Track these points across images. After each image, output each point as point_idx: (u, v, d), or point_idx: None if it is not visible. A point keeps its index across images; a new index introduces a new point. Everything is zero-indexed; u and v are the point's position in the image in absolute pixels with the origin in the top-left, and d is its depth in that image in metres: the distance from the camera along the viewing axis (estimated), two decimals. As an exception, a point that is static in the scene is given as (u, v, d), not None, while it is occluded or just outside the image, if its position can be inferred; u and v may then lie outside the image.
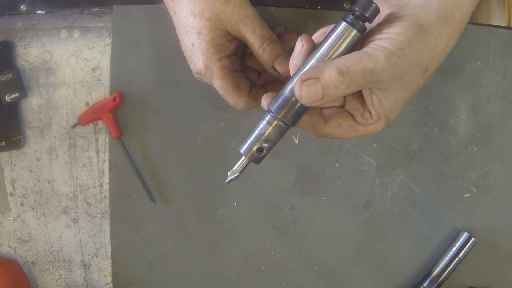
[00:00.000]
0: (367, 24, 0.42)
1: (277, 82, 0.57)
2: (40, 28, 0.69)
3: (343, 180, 0.67)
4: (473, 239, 0.65)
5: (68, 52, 0.69)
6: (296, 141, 0.67)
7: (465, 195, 0.67)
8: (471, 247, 0.65)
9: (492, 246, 0.67)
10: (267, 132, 0.44)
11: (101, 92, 0.69)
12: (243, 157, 0.45)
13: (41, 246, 0.71)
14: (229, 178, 0.47)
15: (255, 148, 0.44)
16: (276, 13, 0.65)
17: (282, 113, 0.43)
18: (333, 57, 0.42)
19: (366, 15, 0.41)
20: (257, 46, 0.51)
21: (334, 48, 0.42)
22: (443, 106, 0.66)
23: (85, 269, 0.71)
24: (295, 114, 0.43)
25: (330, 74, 0.39)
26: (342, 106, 0.47)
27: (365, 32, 0.43)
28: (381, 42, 0.41)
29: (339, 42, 0.42)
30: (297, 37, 0.45)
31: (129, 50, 0.66)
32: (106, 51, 0.69)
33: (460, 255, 0.65)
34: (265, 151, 0.45)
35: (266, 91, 0.54)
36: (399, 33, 0.41)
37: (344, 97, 0.46)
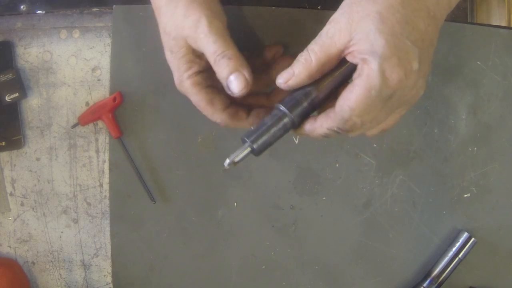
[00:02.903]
0: None
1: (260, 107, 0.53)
2: (40, 28, 0.69)
3: (343, 180, 0.67)
4: (473, 239, 0.65)
5: (68, 52, 0.69)
6: (296, 141, 0.67)
7: (465, 195, 0.67)
8: (471, 247, 0.65)
9: (492, 246, 0.67)
10: (272, 126, 0.44)
11: (101, 92, 0.69)
12: (245, 146, 0.45)
13: (41, 246, 0.71)
14: (227, 162, 0.45)
15: (258, 138, 0.45)
16: (276, 13, 0.65)
17: (293, 112, 0.44)
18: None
19: None
20: (212, 63, 0.48)
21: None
22: (443, 106, 0.66)
23: (85, 269, 0.71)
24: (303, 114, 0.45)
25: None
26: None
27: None
28: None
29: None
30: (290, 61, 0.46)
31: (129, 50, 0.66)
32: (106, 51, 0.69)
33: (460, 255, 0.65)
34: (265, 140, 0.44)
35: (247, 111, 0.52)
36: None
37: None
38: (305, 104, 0.44)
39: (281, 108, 0.45)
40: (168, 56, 0.51)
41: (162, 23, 0.51)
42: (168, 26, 0.50)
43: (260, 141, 0.44)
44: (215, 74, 0.50)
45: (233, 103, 0.52)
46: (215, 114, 0.50)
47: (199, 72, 0.50)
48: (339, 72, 0.45)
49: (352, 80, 0.43)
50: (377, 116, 0.43)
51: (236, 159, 0.44)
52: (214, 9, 0.49)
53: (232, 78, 0.46)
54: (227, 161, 0.45)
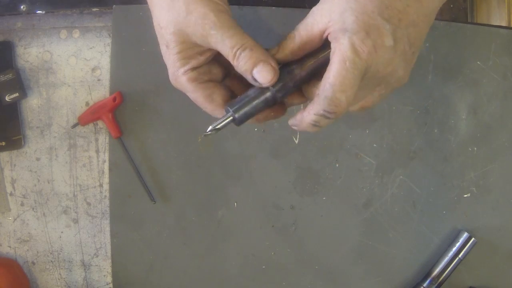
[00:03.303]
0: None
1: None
2: (40, 28, 0.69)
3: (343, 180, 0.67)
4: (473, 239, 0.65)
5: (68, 52, 0.69)
6: (296, 141, 0.67)
7: (465, 195, 0.67)
8: (471, 247, 0.65)
9: (492, 246, 0.67)
10: (255, 98, 0.46)
11: (101, 92, 0.69)
12: (228, 115, 0.47)
13: (41, 246, 0.71)
14: (209, 129, 0.46)
15: (240, 108, 0.46)
16: (276, 13, 0.65)
17: (275, 86, 0.46)
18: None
19: None
20: (231, 58, 0.46)
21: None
22: (443, 106, 0.66)
23: (85, 269, 0.71)
24: (285, 90, 0.46)
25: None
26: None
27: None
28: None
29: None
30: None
31: (129, 50, 0.66)
32: (106, 51, 0.69)
33: (460, 255, 0.65)
34: (244, 106, 0.46)
35: None
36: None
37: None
38: (287, 80, 0.46)
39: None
40: (164, 50, 0.49)
41: (156, 17, 0.49)
42: (163, 20, 0.48)
43: (242, 112, 0.46)
44: (214, 69, 0.49)
45: (232, 96, 0.51)
46: (216, 109, 0.49)
47: (194, 68, 0.48)
48: (322, 55, 0.46)
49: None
50: (358, 92, 0.44)
51: (218, 126, 0.46)
52: (218, 1, 0.47)
53: (259, 69, 0.45)
54: (210, 127, 0.46)
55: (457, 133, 0.67)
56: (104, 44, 0.69)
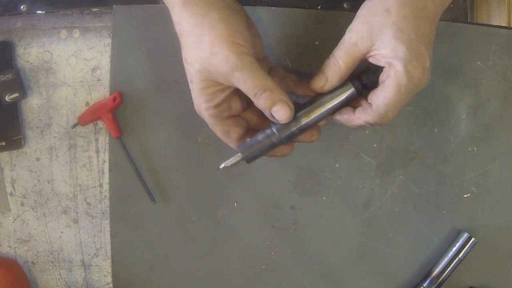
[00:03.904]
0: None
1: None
2: (40, 28, 0.69)
3: (343, 180, 0.67)
4: (473, 239, 0.65)
5: (68, 52, 0.69)
6: (296, 141, 0.67)
7: (465, 195, 0.67)
8: (471, 247, 0.65)
9: (492, 246, 0.67)
10: (262, 141, 0.53)
11: (101, 92, 0.69)
12: (238, 155, 0.53)
13: (41, 246, 0.71)
14: (222, 166, 0.54)
15: (249, 149, 0.53)
16: (276, 13, 0.65)
17: (282, 134, 0.52)
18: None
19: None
20: (251, 97, 0.50)
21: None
22: (443, 106, 0.66)
23: (85, 269, 0.71)
24: (290, 137, 0.53)
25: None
26: None
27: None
28: None
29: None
30: (296, 81, 0.56)
31: (129, 50, 0.66)
32: (106, 51, 0.69)
33: (460, 255, 0.65)
34: (252, 150, 0.53)
35: None
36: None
37: None
38: (293, 128, 0.52)
39: (273, 129, 0.52)
40: (189, 83, 0.53)
41: (184, 52, 0.52)
42: (190, 57, 0.51)
43: (251, 153, 0.53)
44: (234, 103, 0.54)
45: (248, 131, 0.56)
46: (230, 143, 0.55)
47: (216, 106, 0.52)
48: (325, 110, 0.53)
49: (381, 83, 0.50)
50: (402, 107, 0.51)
51: (229, 164, 0.53)
52: (241, 42, 0.49)
53: (277, 108, 0.50)
54: (223, 164, 0.54)
55: (457, 133, 0.67)
56: (104, 44, 0.69)
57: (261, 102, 0.50)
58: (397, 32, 0.48)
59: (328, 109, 0.53)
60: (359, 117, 0.52)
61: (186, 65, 0.52)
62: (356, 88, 0.52)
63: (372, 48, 0.50)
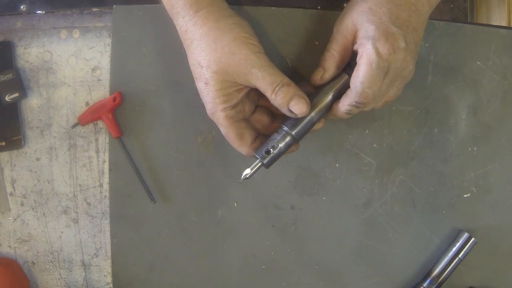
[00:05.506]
0: None
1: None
2: (40, 28, 0.69)
3: (343, 180, 0.67)
4: (473, 239, 0.65)
5: (68, 52, 0.69)
6: (296, 141, 0.67)
7: (465, 195, 0.67)
8: (471, 247, 0.65)
9: (492, 246, 0.67)
10: (278, 143, 0.55)
11: (101, 92, 0.69)
12: (257, 162, 0.55)
13: (41, 246, 0.71)
14: (243, 176, 0.56)
15: (267, 154, 0.55)
16: (276, 13, 0.65)
17: (293, 130, 0.55)
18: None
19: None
20: (269, 93, 0.53)
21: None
22: (443, 106, 0.66)
23: (85, 269, 0.71)
24: (302, 132, 0.55)
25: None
26: None
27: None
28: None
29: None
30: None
31: (129, 50, 0.66)
32: (106, 51, 0.69)
33: (460, 255, 0.65)
34: (271, 154, 0.55)
35: None
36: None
37: None
38: (303, 124, 0.55)
39: (284, 129, 0.55)
40: (202, 87, 0.55)
41: (195, 57, 0.54)
42: (205, 60, 0.53)
43: (271, 158, 0.55)
44: (246, 106, 0.57)
45: (259, 136, 0.58)
46: (242, 147, 0.56)
47: (233, 106, 0.54)
48: (329, 99, 0.56)
49: (356, 63, 0.53)
50: (382, 87, 0.53)
51: (249, 174, 0.55)
52: (255, 43, 0.54)
53: (295, 102, 0.53)
54: (243, 174, 0.55)
55: (457, 133, 0.67)
56: (104, 44, 0.69)
57: (279, 97, 0.53)
58: (370, 15, 0.52)
59: (331, 98, 0.56)
60: (343, 103, 0.54)
61: (199, 69, 0.54)
62: (349, 74, 0.55)
63: (356, 33, 0.54)
